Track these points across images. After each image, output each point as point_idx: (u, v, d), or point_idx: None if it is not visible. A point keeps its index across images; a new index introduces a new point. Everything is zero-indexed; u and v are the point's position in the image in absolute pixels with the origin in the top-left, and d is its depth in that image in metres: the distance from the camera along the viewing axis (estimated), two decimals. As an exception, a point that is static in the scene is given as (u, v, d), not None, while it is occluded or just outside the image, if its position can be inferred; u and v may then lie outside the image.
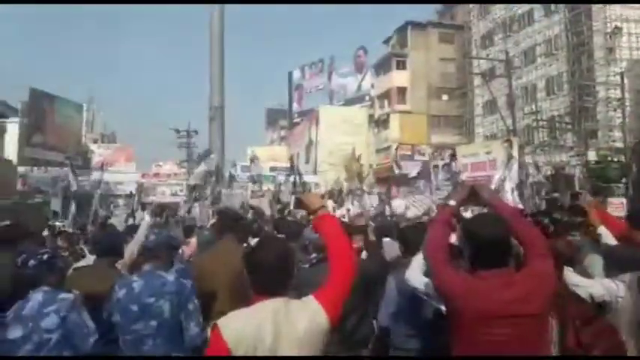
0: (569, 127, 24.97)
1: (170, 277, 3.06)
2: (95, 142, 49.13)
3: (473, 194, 2.60)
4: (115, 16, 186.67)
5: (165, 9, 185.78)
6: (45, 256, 2.87)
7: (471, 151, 21.97)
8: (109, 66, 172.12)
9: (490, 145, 22.27)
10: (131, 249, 3.84)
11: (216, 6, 14.83)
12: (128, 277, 3.17)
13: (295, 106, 56.40)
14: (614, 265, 3.22)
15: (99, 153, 44.59)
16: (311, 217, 2.40)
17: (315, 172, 39.95)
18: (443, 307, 2.42)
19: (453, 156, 14.40)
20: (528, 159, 19.70)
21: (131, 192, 25.23)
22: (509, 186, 15.29)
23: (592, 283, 2.98)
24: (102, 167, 22.82)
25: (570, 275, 2.97)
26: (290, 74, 57.44)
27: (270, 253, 2.04)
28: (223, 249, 3.79)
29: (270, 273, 1.99)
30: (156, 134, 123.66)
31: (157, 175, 38.49)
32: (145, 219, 4.86)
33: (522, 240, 2.32)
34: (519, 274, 2.22)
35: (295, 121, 54.93)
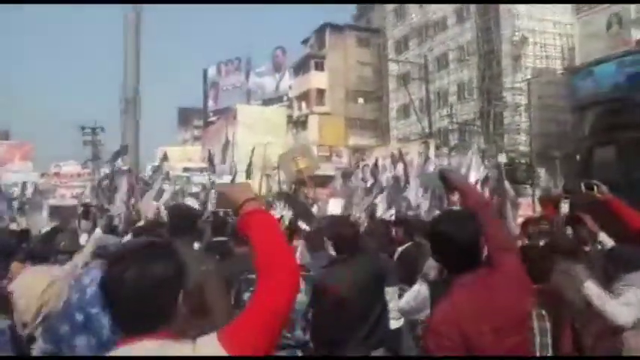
0: (480, 130, 26.01)
1: None
2: (-17, 139, 44.27)
3: (441, 178, 2.33)
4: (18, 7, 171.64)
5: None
6: None
7: (389, 153, 22.28)
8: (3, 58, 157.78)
9: (408, 146, 22.73)
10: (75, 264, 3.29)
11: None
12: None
13: (211, 104, 54.57)
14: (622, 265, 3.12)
15: (-9, 151, 40.21)
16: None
17: (231, 172, 38.62)
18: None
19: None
20: (444, 160, 20.05)
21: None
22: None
23: (620, 310, 2.82)
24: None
25: (593, 290, 2.86)
26: (205, 71, 55.52)
27: (129, 273, 1.29)
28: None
29: (128, 303, 1.29)
30: (57, 133, 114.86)
31: (57, 175, 35.25)
32: (97, 231, 4.14)
33: (488, 233, 2.05)
34: (496, 275, 1.96)
35: (210, 119, 53.12)
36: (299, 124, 42.02)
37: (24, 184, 19.68)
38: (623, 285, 2.99)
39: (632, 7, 19.91)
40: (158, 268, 1.31)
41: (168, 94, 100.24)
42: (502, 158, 23.62)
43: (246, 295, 2.94)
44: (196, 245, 4.54)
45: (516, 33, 27.07)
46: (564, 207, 8.51)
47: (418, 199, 13.97)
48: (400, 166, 12.35)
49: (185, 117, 69.41)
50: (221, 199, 1.70)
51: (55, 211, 20.02)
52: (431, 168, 18.43)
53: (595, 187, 5.32)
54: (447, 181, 2.30)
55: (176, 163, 39.90)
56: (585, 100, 22.08)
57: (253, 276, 2.95)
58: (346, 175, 24.19)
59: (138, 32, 13.71)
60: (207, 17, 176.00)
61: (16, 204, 13.40)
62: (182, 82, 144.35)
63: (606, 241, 3.88)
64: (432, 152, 18.89)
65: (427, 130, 24.36)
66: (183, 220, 3.33)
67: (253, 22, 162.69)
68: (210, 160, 18.47)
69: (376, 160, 19.61)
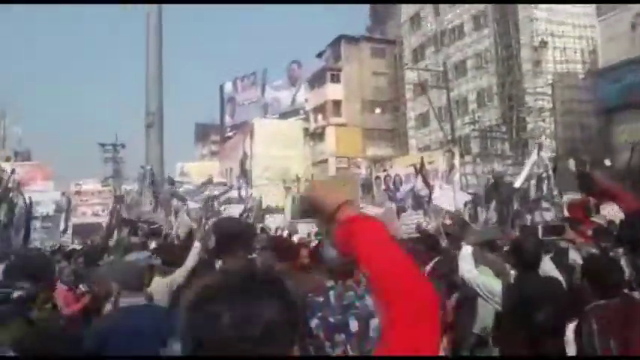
0: (505, 136, 25.58)
1: None
2: (8, 160, 44.93)
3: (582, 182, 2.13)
4: (32, 22, 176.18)
5: (88, 13, 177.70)
6: None
7: (413, 162, 21.96)
8: (24, 77, 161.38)
9: (432, 155, 22.39)
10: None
11: (155, 5, 13.48)
12: None
13: (228, 119, 54.88)
14: None
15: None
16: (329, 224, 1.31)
17: (250, 186, 38.68)
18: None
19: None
20: (468, 168, 19.66)
21: (48, 213, 22.72)
22: (450, 195, 15.01)
23: None
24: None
25: None
26: (221, 87, 55.95)
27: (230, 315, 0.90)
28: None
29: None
30: (77, 151, 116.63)
31: (78, 193, 35.51)
32: (196, 245, 3.98)
33: None
34: None
35: (227, 135, 53.38)
36: (316, 136, 41.93)
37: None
38: None
39: (658, 6, 19.50)
40: (270, 309, 0.90)
41: (184, 111, 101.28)
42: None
43: (313, 322, 2.70)
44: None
45: (535, 38, 26.72)
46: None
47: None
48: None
49: (202, 132, 69.91)
50: (305, 204, 1.26)
51: (77, 229, 20.09)
52: (456, 176, 18.13)
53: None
54: (592, 184, 2.15)
55: (195, 178, 40.04)
56: (611, 103, 21.64)
57: (319, 299, 2.80)
58: (365, 185, 23.97)
59: (160, 44, 13.72)
60: (221, 33, 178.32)
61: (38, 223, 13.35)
62: (198, 98, 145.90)
63: None
64: (456, 160, 18.54)
65: (449, 138, 23.98)
66: (233, 236, 2.98)
67: (268, 37, 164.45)
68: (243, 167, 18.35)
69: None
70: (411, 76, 37.09)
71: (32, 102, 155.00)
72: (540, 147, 11.45)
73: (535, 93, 26.28)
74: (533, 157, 10.18)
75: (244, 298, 0.89)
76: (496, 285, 3.60)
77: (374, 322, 2.66)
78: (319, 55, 44.92)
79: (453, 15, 33.58)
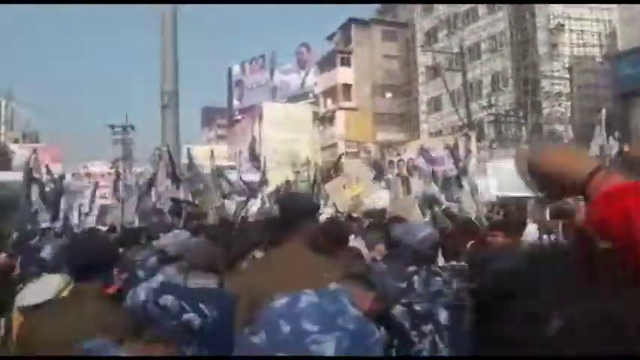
0: (522, 121, 25.23)
1: None
2: (16, 141, 44.87)
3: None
4: (39, 7, 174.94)
5: None
6: None
7: (429, 146, 21.73)
8: (31, 60, 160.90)
9: (446, 139, 22.13)
10: None
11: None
12: None
13: (236, 102, 54.54)
14: None
15: (20, 154, 40.68)
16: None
17: (259, 169, 38.57)
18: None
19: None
20: (485, 153, 19.45)
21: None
22: (465, 181, 14.79)
23: None
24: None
25: None
26: (230, 70, 55.52)
27: None
28: (286, 260, 2.41)
29: None
30: (86, 133, 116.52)
31: (88, 175, 35.48)
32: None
33: None
34: None
35: (235, 118, 53.10)
36: (325, 120, 41.64)
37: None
38: None
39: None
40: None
41: (190, 94, 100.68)
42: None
43: (396, 310, 2.54)
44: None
45: (552, 20, 26.20)
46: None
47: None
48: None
49: (209, 116, 69.66)
50: (536, 172, 0.89)
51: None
52: (473, 161, 17.89)
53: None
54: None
55: (202, 161, 39.60)
56: (629, 87, 21.25)
57: (401, 284, 2.48)
58: (376, 169, 23.74)
59: (175, 30, 13.49)
60: (229, 16, 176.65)
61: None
62: (205, 81, 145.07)
63: None
64: (473, 145, 18.30)
65: (465, 122, 23.66)
66: (293, 215, 2.62)
67: (277, 20, 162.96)
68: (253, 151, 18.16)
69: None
70: (423, 59, 36.59)
71: (41, 83, 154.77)
72: None
73: (552, 77, 25.86)
74: None
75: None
76: None
77: (465, 315, 2.48)
78: (329, 38, 44.39)
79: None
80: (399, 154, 22.14)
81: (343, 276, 1.91)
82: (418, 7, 38.08)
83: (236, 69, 54.71)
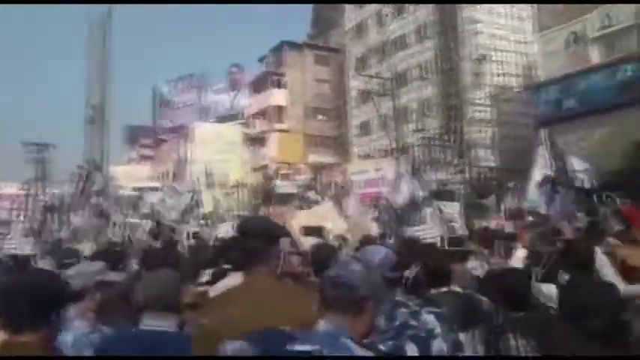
0: (452, 144, 26.23)
1: None
2: None
3: None
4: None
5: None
6: None
7: (361, 169, 22.02)
8: None
9: (380, 163, 22.54)
10: None
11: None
12: None
13: (161, 122, 52.81)
14: None
15: None
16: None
17: (191, 190, 37.34)
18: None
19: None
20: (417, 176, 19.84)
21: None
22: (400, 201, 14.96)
23: None
24: None
25: None
26: (155, 88, 53.85)
27: None
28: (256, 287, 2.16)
29: None
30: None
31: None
32: None
33: None
34: None
35: (161, 137, 51.34)
36: (257, 141, 41.24)
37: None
38: None
39: (593, 24, 20.72)
40: None
41: (112, 112, 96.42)
42: (473, 173, 23.99)
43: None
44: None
45: (476, 51, 27.73)
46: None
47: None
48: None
49: (132, 135, 66.97)
50: None
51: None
52: (404, 183, 18.17)
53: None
54: None
55: (124, 182, 38.18)
56: (546, 117, 22.72)
57: None
58: (307, 189, 23.68)
59: (106, 40, 12.77)
60: (155, 33, 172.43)
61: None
62: (129, 100, 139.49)
63: None
64: (404, 168, 18.69)
65: (395, 146, 24.23)
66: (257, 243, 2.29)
67: (206, 41, 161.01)
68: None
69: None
70: (354, 84, 37.38)
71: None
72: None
73: (475, 104, 27.22)
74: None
75: None
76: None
77: (436, 345, 2.09)
78: (260, 60, 44.34)
79: (397, 26, 34.23)
80: (332, 177, 22.31)
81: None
82: (350, 33, 39.04)
83: (163, 87, 53.14)
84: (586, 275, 3.34)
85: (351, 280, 1.63)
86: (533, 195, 6.55)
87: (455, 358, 2.12)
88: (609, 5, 20.21)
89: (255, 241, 2.24)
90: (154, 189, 36.74)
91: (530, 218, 6.45)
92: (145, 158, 60.31)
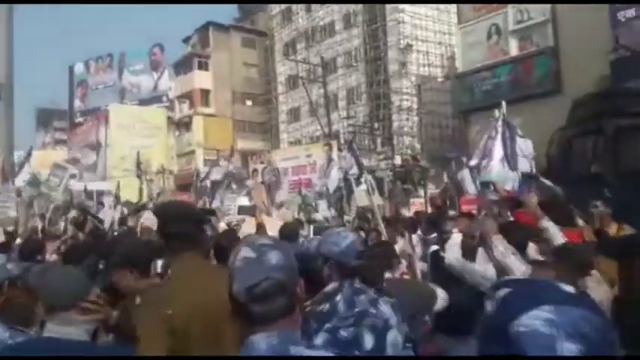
0: (376, 132, 26.55)
1: None
2: None
3: None
4: None
5: None
6: None
7: (291, 155, 21.64)
8: None
9: (310, 148, 22.28)
10: None
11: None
12: None
13: (78, 103, 49.51)
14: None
15: None
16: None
17: (104, 178, 35.37)
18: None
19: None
20: (345, 162, 19.86)
21: None
22: (332, 187, 14.90)
23: None
24: None
25: None
26: (71, 68, 50.28)
27: None
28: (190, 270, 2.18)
29: None
30: None
31: None
32: None
33: None
34: None
35: (78, 120, 48.18)
36: (182, 125, 39.73)
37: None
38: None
39: (511, 18, 21.56)
40: None
41: (24, 93, 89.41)
42: (397, 160, 24.38)
43: (319, 338, 2.01)
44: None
45: (402, 40, 28.12)
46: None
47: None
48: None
49: (45, 118, 62.47)
50: None
51: None
52: (335, 170, 18.09)
53: (492, 186, 5.56)
54: None
55: (39, 168, 35.79)
56: (466, 106, 23.55)
57: (324, 306, 1.99)
58: (237, 179, 23.15)
59: (10, 16, 11.52)
60: (74, 9, 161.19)
61: None
62: (41, 80, 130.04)
63: (553, 229, 3.60)
64: (335, 154, 18.61)
65: (326, 132, 24.13)
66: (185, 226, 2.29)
67: (126, 19, 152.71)
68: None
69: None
70: (282, 69, 36.86)
71: None
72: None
73: (401, 92, 27.68)
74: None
75: None
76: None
77: (391, 335, 2.05)
78: (185, 41, 42.57)
79: (324, 12, 34.02)
80: (262, 162, 21.78)
81: None
82: (277, 17, 38.35)
83: (79, 67, 49.73)
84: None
85: (270, 286, 1.26)
86: (499, 170, 6.22)
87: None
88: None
89: (182, 226, 2.21)
90: (72, 175, 34.57)
91: (492, 196, 5.85)
92: (60, 142, 56.63)
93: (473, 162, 7.08)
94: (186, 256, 2.16)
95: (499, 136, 6.14)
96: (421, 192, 19.99)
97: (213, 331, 1.98)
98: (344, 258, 2.13)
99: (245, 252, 1.30)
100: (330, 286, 2.12)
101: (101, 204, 13.36)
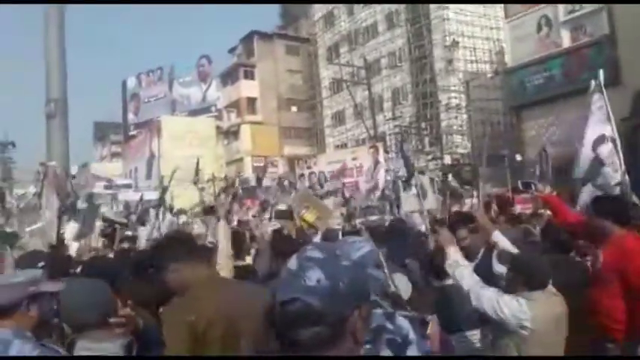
0: (424, 132, 26.17)
1: None
2: None
3: None
4: None
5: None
6: None
7: (337, 158, 21.69)
8: None
9: (356, 152, 22.24)
10: None
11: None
12: None
13: (131, 117, 51.47)
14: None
15: None
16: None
17: (158, 188, 36.52)
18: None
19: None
20: (391, 165, 19.68)
21: None
22: (378, 192, 14.74)
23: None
24: None
25: None
26: (124, 83, 52.36)
27: None
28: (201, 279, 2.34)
29: None
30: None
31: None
32: None
33: None
34: None
35: (131, 133, 50.07)
36: (230, 134, 40.53)
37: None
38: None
39: (561, 9, 20.73)
40: None
41: (80, 108, 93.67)
42: (447, 160, 23.92)
43: None
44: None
45: (447, 37, 27.61)
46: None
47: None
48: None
49: (102, 132, 65.30)
50: None
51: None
52: (381, 172, 17.90)
53: (533, 186, 5.05)
54: None
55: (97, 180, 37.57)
56: (518, 101, 22.81)
57: None
58: (282, 183, 23.35)
59: (62, 29, 12.01)
60: (124, 26, 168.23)
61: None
62: (96, 95, 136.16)
63: (500, 240, 3.59)
64: (381, 157, 18.46)
65: (371, 135, 23.99)
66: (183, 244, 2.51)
67: (175, 32, 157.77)
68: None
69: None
70: (326, 74, 36.99)
71: None
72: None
73: (448, 90, 27.16)
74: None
75: None
76: None
77: (411, 351, 1.84)
78: (231, 51, 43.49)
79: (367, 14, 33.90)
80: (309, 167, 21.92)
81: None
82: (320, 22, 38.55)
83: (131, 81, 51.71)
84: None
85: (298, 310, 1.06)
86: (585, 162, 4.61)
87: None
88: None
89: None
90: (127, 186, 35.92)
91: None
92: (116, 155, 58.91)
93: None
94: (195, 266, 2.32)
95: (593, 115, 4.64)
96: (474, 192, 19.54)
97: (233, 335, 2.05)
98: None
99: (292, 262, 1.12)
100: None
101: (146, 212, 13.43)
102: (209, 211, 10.89)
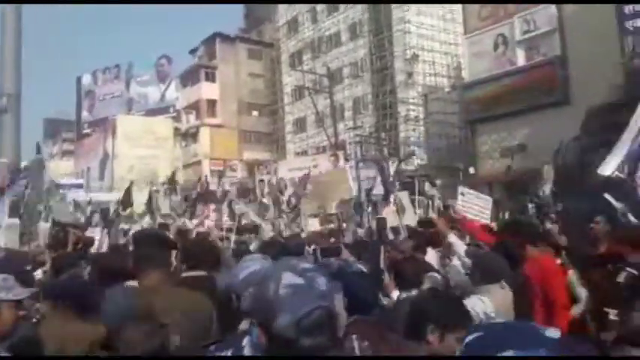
0: (383, 142, 26.47)
1: None
2: None
3: None
4: None
5: None
6: None
7: (298, 165, 21.61)
8: None
9: (317, 159, 22.25)
10: None
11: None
12: None
13: (85, 114, 49.84)
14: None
15: None
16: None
17: (111, 189, 35.43)
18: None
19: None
20: (352, 173, 19.77)
21: None
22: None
23: None
24: None
25: None
26: (79, 79, 50.70)
27: None
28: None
29: None
30: None
31: None
32: None
33: None
34: None
35: (85, 131, 48.48)
36: (188, 136, 39.85)
37: None
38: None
39: (517, 28, 21.48)
40: None
41: (31, 104, 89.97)
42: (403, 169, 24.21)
43: None
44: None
45: (408, 50, 28.11)
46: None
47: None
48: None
49: (52, 129, 62.89)
50: None
51: None
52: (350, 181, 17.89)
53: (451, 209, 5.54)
54: None
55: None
56: (474, 116, 23.40)
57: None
58: (243, 189, 23.09)
59: (19, 26, 11.55)
60: (81, 22, 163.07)
61: None
62: (49, 91, 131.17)
63: (456, 242, 3.99)
64: (341, 164, 18.54)
65: (332, 143, 24.08)
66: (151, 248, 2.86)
67: (134, 30, 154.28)
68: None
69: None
70: (288, 80, 36.94)
71: None
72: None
73: (407, 102, 27.62)
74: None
75: None
76: None
77: None
78: (192, 52, 42.83)
79: (330, 23, 34.10)
80: (269, 173, 21.76)
81: None
82: (284, 28, 38.51)
83: (87, 78, 50.14)
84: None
85: (320, 317, 1.12)
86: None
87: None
88: (529, 11, 20.98)
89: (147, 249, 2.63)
90: (78, 186, 34.62)
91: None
92: (67, 153, 56.93)
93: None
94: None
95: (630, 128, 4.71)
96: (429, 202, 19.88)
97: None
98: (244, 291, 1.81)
99: (289, 278, 1.13)
100: (242, 325, 1.80)
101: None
102: (163, 226, 10.55)
